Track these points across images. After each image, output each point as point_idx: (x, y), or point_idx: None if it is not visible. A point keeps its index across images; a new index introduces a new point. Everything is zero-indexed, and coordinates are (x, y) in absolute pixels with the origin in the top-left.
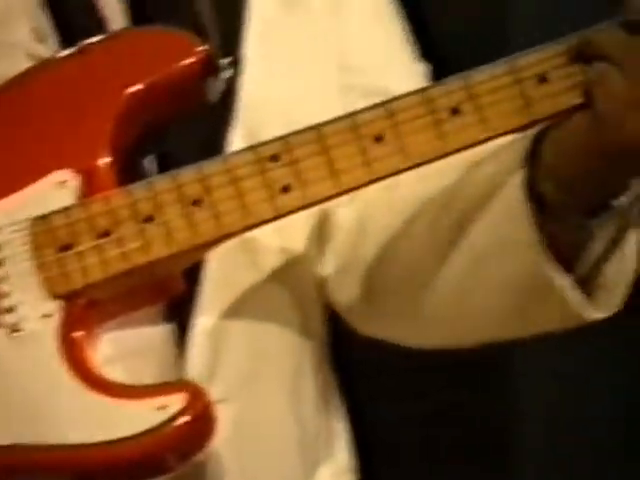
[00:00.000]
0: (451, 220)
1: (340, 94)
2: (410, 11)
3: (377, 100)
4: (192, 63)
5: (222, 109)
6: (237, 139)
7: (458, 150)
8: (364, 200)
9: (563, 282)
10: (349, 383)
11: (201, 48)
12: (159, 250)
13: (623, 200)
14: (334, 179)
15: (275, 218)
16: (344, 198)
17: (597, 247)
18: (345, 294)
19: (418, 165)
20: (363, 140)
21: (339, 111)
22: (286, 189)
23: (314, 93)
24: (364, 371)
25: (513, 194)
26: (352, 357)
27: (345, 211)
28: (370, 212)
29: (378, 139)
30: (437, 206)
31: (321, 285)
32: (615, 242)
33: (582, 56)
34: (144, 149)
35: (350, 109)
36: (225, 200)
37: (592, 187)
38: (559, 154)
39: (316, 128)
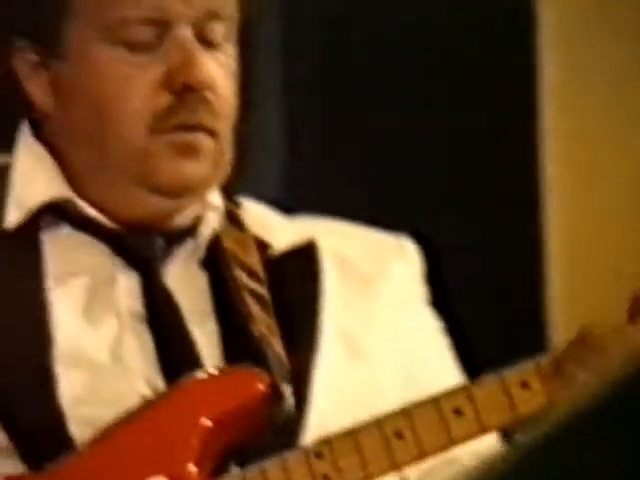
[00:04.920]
0: None
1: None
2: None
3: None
4: (257, 395)
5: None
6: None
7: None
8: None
9: None
10: None
11: (265, 382)
12: None
13: None
14: (365, 472)
15: None
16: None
17: None
18: None
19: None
20: (388, 437)
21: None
22: (326, 477)
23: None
24: None
25: None
26: None
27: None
28: None
29: (399, 436)
30: None
31: None
32: None
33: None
34: (226, 458)
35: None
36: None
37: None
38: None
39: (351, 434)
